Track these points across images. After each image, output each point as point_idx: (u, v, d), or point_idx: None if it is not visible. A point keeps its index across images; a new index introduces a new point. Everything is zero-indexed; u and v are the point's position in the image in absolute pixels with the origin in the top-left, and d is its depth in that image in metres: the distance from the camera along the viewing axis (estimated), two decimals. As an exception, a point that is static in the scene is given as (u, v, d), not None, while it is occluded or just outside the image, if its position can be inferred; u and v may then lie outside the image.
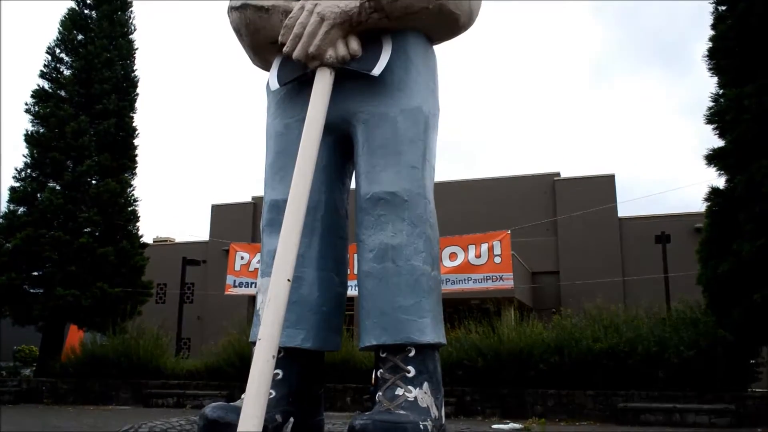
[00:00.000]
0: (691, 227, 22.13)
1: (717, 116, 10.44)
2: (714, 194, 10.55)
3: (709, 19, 11.13)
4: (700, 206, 11.35)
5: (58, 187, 17.24)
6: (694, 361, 10.02)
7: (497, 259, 13.61)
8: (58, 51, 18.55)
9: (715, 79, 10.83)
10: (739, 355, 10.13)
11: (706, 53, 10.99)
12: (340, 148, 2.20)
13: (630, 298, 20.84)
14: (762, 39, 9.93)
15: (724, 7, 10.90)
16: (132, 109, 18.87)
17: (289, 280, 1.69)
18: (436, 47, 2.31)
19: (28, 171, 17.53)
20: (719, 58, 10.70)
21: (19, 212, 16.97)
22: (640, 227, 23.67)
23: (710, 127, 10.60)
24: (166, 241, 32.59)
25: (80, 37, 18.75)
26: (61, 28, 18.65)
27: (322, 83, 2.00)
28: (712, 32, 10.96)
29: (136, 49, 19.35)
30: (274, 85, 2.17)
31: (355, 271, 2.04)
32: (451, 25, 2.18)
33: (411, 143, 2.04)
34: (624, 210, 25.76)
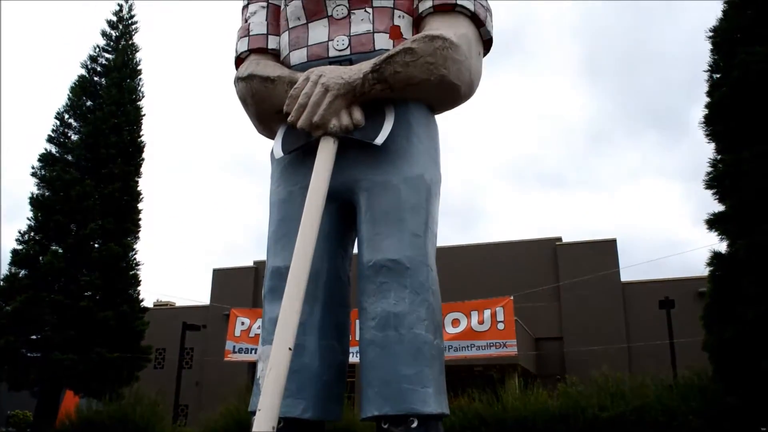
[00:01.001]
0: (694, 291, 21.97)
1: (716, 181, 10.52)
2: (716, 259, 10.52)
3: (704, 86, 11.37)
4: (702, 269, 11.31)
5: (60, 251, 17.24)
6: (703, 431, 9.77)
7: (500, 326, 13.47)
8: (66, 116, 18.89)
9: (713, 145, 10.97)
10: (748, 423, 9.88)
11: (703, 120, 11.17)
12: (342, 216, 2.21)
13: (635, 364, 20.50)
14: (757, 106, 10.11)
15: (718, 75, 11.15)
16: (137, 173, 19.07)
17: (290, 348, 1.67)
18: (439, 115, 2.35)
19: (32, 234, 17.58)
20: (715, 124, 10.86)
21: (20, 275, 16.93)
22: (644, 292, 23.50)
23: (710, 191, 10.69)
24: (167, 305, 32.35)
25: (89, 103, 19.13)
26: (70, 95, 19.04)
27: (326, 152, 2.03)
28: (707, 99, 11.17)
29: (144, 115, 19.70)
30: (279, 153, 2.20)
31: (357, 338, 2.02)
32: (453, 95, 2.23)
33: (413, 211, 2.05)
34: (627, 274, 25.65)
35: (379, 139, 2.05)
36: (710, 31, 11.49)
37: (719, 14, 11.50)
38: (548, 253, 25.67)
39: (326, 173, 1.99)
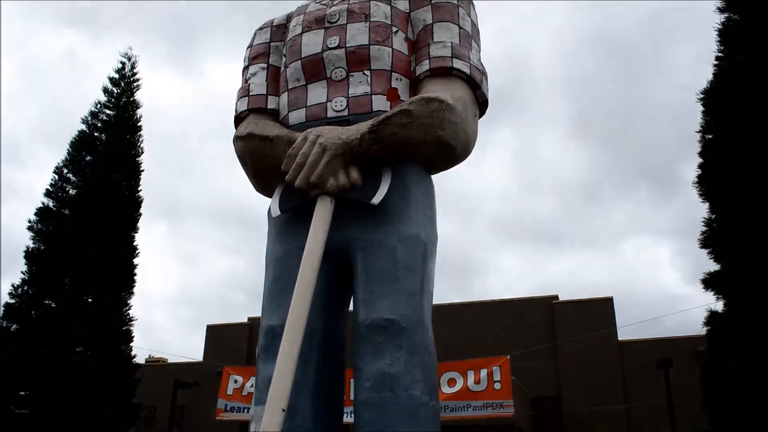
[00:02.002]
0: (693, 350, 21.76)
1: (711, 240, 10.57)
2: (713, 318, 10.48)
3: (694, 142, 11.54)
4: (700, 327, 11.24)
5: (53, 305, 17.09)
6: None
7: (497, 385, 13.26)
8: (65, 171, 19.01)
9: (707, 204, 11.07)
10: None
11: (696, 179, 11.30)
12: (338, 275, 2.21)
13: (635, 425, 20.12)
14: (750, 166, 10.24)
15: (710, 136, 11.33)
16: (134, 228, 19.08)
17: (283, 409, 1.65)
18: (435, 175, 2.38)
19: (25, 288, 17.45)
20: (708, 184, 10.99)
21: (12, 329, 16.72)
22: (642, 350, 23.26)
23: (705, 250, 10.72)
24: (159, 361, 31.85)
25: (88, 158, 19.28)
26: (70, 149, 19.21)
27: (323, 211, 2.04)
28: (699, 159, 11.32)
29: (142, 170, 19.84)
30: (276, 211, 2.22)
31: (351, 398, 1.99)
32: (449, 156, 2.26)
33: (409, 271, 2.05)
34: (624, 332, 25.43)
35: (376, 199, 2.06)
36: (701, 93, 11.74)
37: (710, 76, 11.78)
38: (545, 311, 25.51)
39: (323, 232, 2.00)
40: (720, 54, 11.91)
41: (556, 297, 26.03)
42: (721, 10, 12.47)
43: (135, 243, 18.96)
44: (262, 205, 2.49)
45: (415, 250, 2.09)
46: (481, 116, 2.41)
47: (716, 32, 12.24)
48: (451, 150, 2.22)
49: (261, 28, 2.65)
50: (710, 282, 10.43)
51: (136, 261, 18.85)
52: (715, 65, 11.78)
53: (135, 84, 20.53)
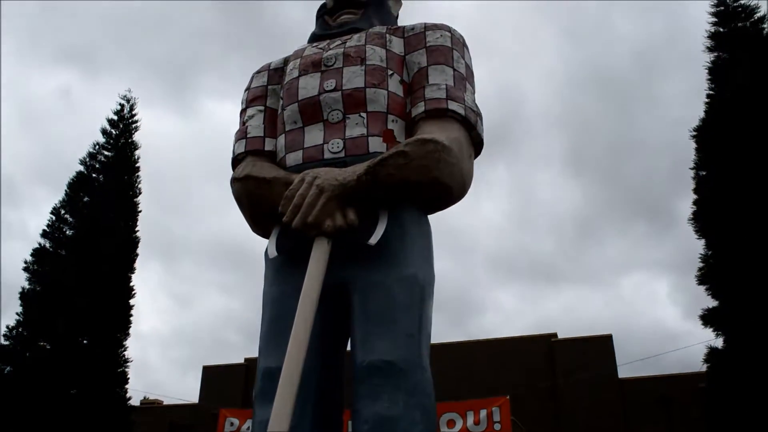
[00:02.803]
0: (694, 387, 21.54)
1: (708, 277, 10.57)
2: (713, 355, 10.41)
3: (688, 176, 11.63)
4: (699, 364, 11.15)
5: (48, 346, 16.91)
6: None
7: (497, 426, 13.10)
8: (63, 212, 19.00)
9: (703, 240, 11.09)
10: None
11: (691, 216, 11.35)
12: (336, 316, 2.20)
13: (637, 466, 19.80)
14: (744, 202, 10.29)
15: (704, 173, 11.42)
16: (131, 269, 19.00)
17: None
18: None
19: (20, 329, 17.28)
20: (704, 220, 11.03)
21: (5, 371, 16.51)
22: (642, 388, 23.03)
23: (703, 287, 10.70)
24: (154, 403, 31.37)
25: (86, 198, 19.30)
26: (68, 190, 19.25)
27: (320, 253, 2.04)
28: (694, 195, 11.39)
29: (140, 211, 19.85)
30: (273, 253, 2.21)
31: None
32: (445, 196, 2.27)
33: (407, 311, 2.04)
34: (624, 370, 25.19)
35: (373, 240, 2.07)
36: (694, 130, 11.88)
37: (701, 112, 11.93)
38: (544, 349, 25.30)
39: (319, 274, 2.00)
40: (710, 92, 12.08)
41: (555, 335, 25.85)
42: (710, 49, 12.69)
43: (132, 284, 18.89)
44: (257, 245, 2.49)
45: (412, 291, 2.08)
46: (476, 156, 2.43)
47: (706, 70, 12.45)
48: (448, 190, 2.23)
49: (258, 72, 2.68)
50: (709, 318, 10.40)
51: (132, 302, 18.75)
52: (706, 103, 11.94)
53: (133, 125, 20.69)
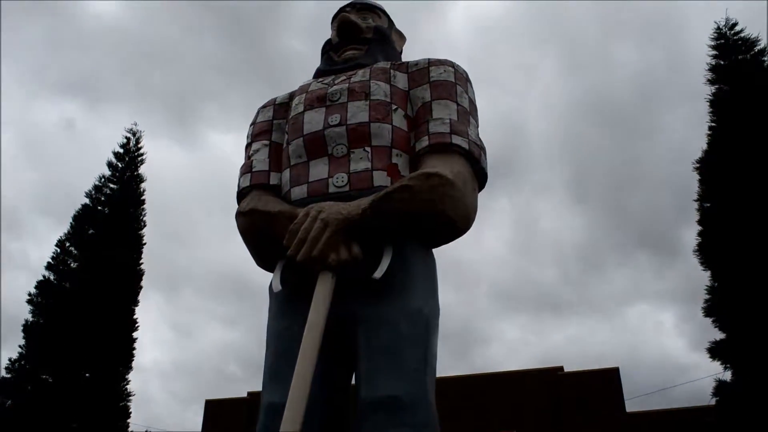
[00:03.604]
0: (702, 421, 21.20)
1: (715, 309, 10.49)
2: (721, 388, 10.28)
3: (691, 206, 11.62)
4: (708, 397, 11.00)
5: (50, 379, 16.79)
6: None
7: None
8: (68, 244, 19.05)
9: (708, 272, 11.03)
10: None
11: (696, 248, 11.31)
12: (340, 351, 2.18)
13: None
14: (749, 233, 10.26)
15: (708, 204, 11.41)
16: (134, 302, 18.96)
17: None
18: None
19: (22, 362, 17.19)
20: (709, 252, 10.99)
21: (6, 404, 16.37)
22: (650, 422, 22.69)
23: (709, 319, 10.61)
24: (156, 438, 31.01)
25: (91, 231, 19.36)
26: (73, 222, 19.32)
27: (324, 287, 2.04)
28: (699, 227, 11.37)
29: (144, 243, 19.89)
30: (277, 287, 2.20)
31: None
32: (449, 230, 2.27)
33: (412, 346, 2.03)
34: (632, 404, 24.86)
35: (378, 273, 2.06)
36: (696, 162, 11.90)
37: (703, 143, 11.97)
38: (550, 383, 25.02)
39: (324, 308, 1.99)
40: (712, 124, 12.14)
41: (561, 368, 25.57)
42: (710, 82, 12.78)
43: (135, 316, 18.83)
44: (259, 277, 2.50)
45: (417, 325, 2.07)
46: (480, 190, 2.43)
47: (707, 103, 12.52)
48: (452, 224, 2.23)
49: (264, 106, 2.71)
50: (717, 351, 10.30)
51: (135, 335, 18.67)
52: (708, 135, 11.99)
53: (139, 159, 20.86)
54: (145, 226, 20.17)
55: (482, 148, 2.39)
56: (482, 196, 2.42)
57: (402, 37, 3.03)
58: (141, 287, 19.38)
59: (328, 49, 2.82)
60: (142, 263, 19.66)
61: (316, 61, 2.90)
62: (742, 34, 13.73)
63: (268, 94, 2.80)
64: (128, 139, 20.98)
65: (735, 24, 13.85)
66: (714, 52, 13.69)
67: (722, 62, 13.41)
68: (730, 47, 13.64)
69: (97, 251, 18.59)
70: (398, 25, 3.04)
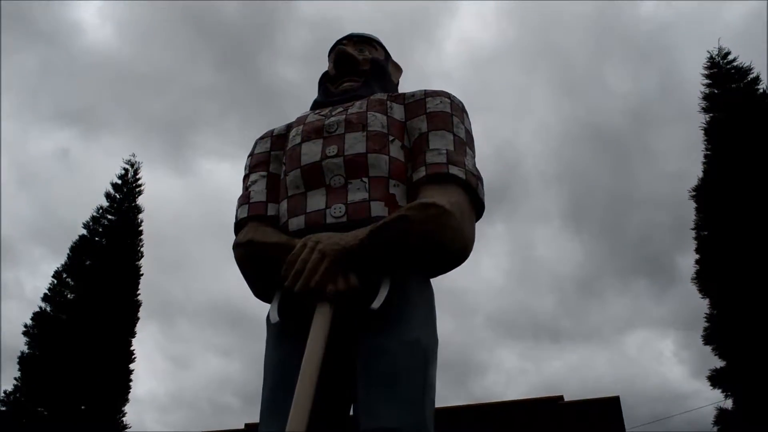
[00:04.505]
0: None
1: (714, 337, 10.44)
2: (723, 417, 10.18)
3: (688, 230, 11.63)
4: (710, 424, 10.88)
5: (46, 413, 16.58)
6: None
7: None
8: (65, 275, 18.98)
9: (707, 300, 11.01)
10: None
11: (694, 275, 11.31)
12: (338, 382, 2.17)
13: None
14: (746, 261, 10.27)
15: (706, 232, 11.43)
16: (131, 333, 18.84)
17: None
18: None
19: (17, 395, 17.00)
20: (707, 280, 10.98)
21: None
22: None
23: (709, 347, 10.56)
24: (152, 472, 30.55)
25: (88, 262, 19.31)
26: (70, 254, 19.27)
27: (322, 318, 2.03)
28: (696, 255, 11.37)
29: (141, 274, 19.82)
30: (275, 318, 2.19)
31: None
32: (447, 260, 2.27)
33: (411, 377, 2.01)
34: (633, 434, 24.54)
35: (376, 304, 2.05)
36: (693, 189, 11.96)
37: (698, 170, 12.03)
38: (551, 412, 24.77)
39: (321, 340, 1.98)
40: (707, 152, 12.22)
41: (562, 398, 25.34)
42: (705, 110, 12.90)
43: (132, 348, 18.68)
44: (255, 308, 2.49)
45: (416, 355, 2.06)
46: (478, 219, 2.43)
47: (702, 131, 12.62)
48: (450, 254, 2.24)
49: (262, 138, 2.72)
50: (717, 379, 10.24)
51: (132, 366, 18.50)
52: (704, 162, 12.06)
53: (137, 189, 20.89)
54: (142, 256, 20.15)
55: (479, 178, 2.40)
56: (479, 224, 2.42)
57: (398, 69, 3.06)
58: (138, 318, 19.28)
59: (325, 80, 2.84)
60: (139, 294, 19.58)
61: (310, 89, 2.94)
62: (735, 63, 13.91)
63: (262, 121, 2.82)
64: (126, 170, 21.05)
65: (728, 53, 14.06)
66: (708, 81, 13.86)
67: (716, 91, 13.55)
68: (723, 76, 13.80)
69: (94, 283, 18.51)
70: (395, 57, 3.07)
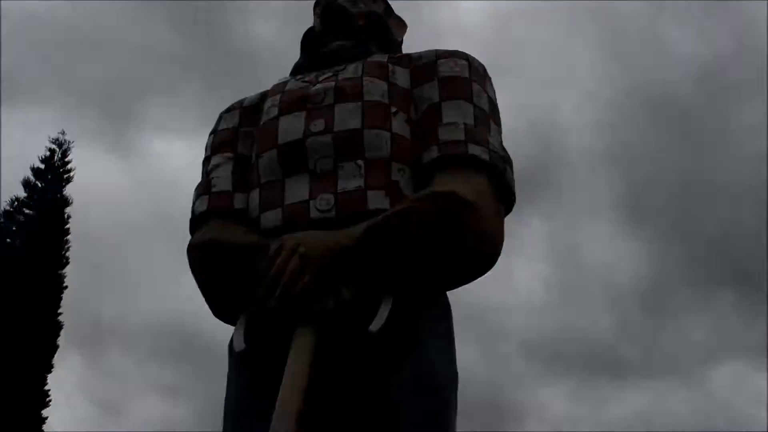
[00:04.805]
0: None
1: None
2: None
3: None
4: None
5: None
6: None
7: None
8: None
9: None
10: None
11: None
12: (327, 426, 2.11)
13: None
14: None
15: None
16: (47, 368, 18.76)
17: None
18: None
19: None
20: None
21: None
22: None
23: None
24: None
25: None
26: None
27: (302, 345, 1.98)
28: None
29: (65, 287, 19.84)
30: (240, 345, 2.14)
31: None
32: (469, 267, 2.23)
33: (422, 423, 1.98)
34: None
35: (374, 326, 2.00)
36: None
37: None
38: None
39: (301, 378, 1.92)
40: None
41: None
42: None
43: (46, 386, 18.50)
44: (213, 332, 2.42)
45: (428, 396, 2.03)
46: (507, 213, 2.41)
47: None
48: (472, 259, 2.21)
49: (228, 111, 2.71)
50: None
51: (45, 412, 18.30)
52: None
53: (66, 176, 20.71)
54: (67, 263, 20.05)
55: (507, 161, 2.37)
56: (509, 221, 2.39)
57: (402, 25, 3.06)
58: (57, 346, 19.16)
59: (309, 39, 2.84)
60: (60, 313, 19.46)
61: (290, 50, 2.95)
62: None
63: (229, 90, 2.80)
64: (52, 151, 20.86)
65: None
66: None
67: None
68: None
69: (2, 297, 18.30)
70: (398, 9, 3.06)
